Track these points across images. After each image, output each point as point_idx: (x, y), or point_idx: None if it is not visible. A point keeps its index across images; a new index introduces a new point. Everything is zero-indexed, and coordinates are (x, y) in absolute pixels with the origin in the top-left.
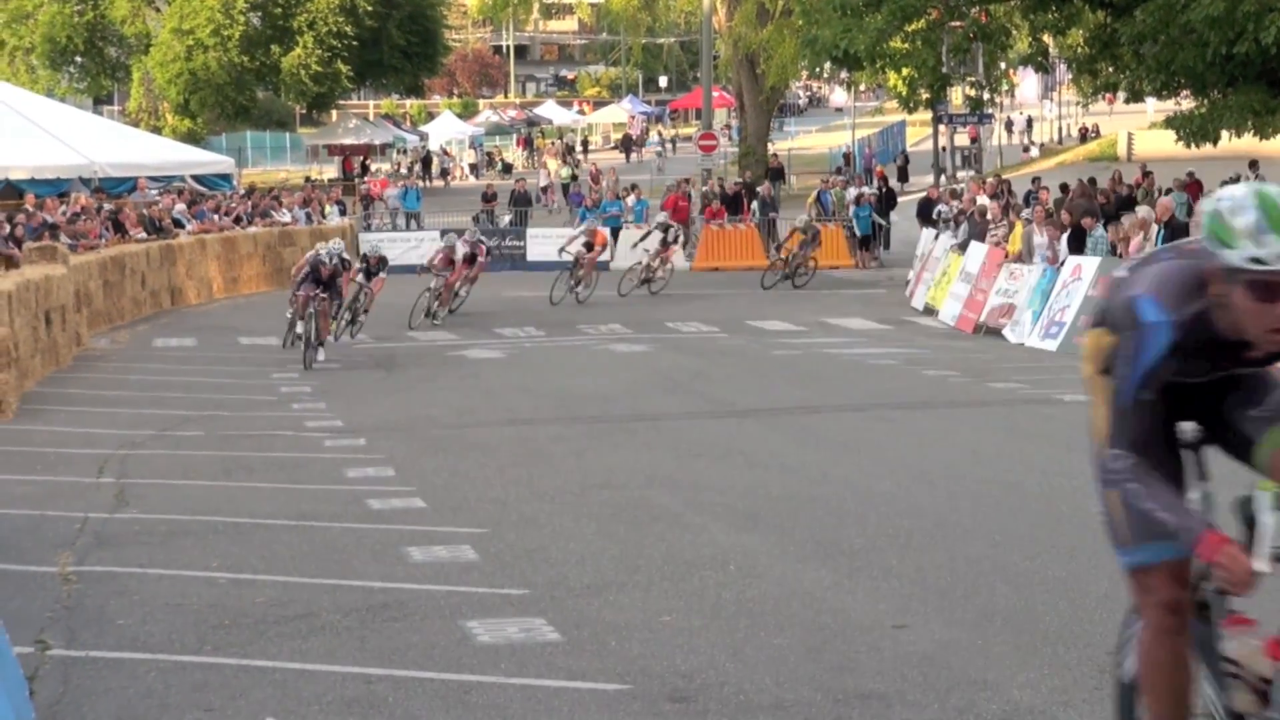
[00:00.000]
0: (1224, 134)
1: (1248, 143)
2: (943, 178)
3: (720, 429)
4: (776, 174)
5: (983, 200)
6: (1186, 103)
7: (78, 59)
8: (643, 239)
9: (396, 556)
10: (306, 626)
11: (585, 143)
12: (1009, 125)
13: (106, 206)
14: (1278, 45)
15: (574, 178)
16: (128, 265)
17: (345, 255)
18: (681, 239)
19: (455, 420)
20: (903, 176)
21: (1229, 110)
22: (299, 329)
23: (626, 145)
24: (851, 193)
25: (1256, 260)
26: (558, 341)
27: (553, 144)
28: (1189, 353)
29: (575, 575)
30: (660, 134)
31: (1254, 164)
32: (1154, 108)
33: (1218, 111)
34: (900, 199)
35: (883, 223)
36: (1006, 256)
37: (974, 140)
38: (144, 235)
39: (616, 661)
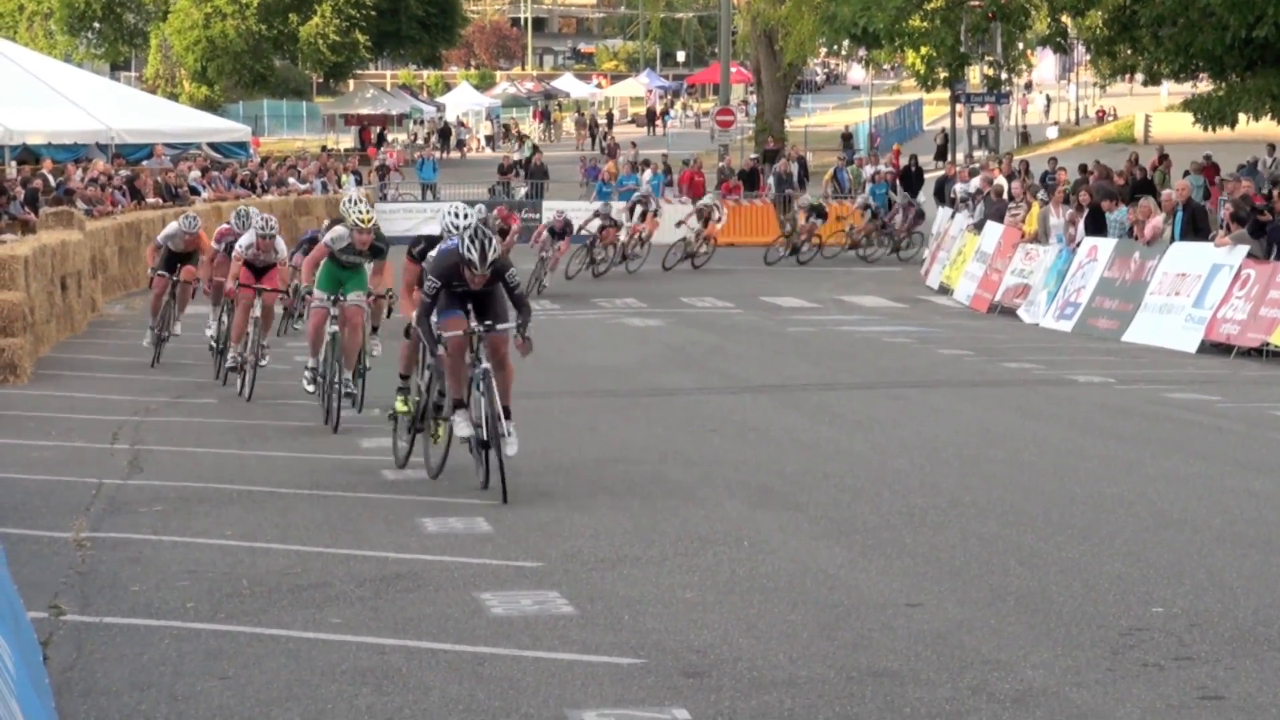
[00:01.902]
0: (1241, 117)
1: (1265, 126)
2: (959, 157)
3: (734, 404)
4: (772, 155)
5: (999, 181)
6: (1203, 86)
7: (96, 25)
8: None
9: (411, 527)
10: (320, 596)
11: (610, 117)
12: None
13: (123, 173)
14: None
15: (534, 152)
16: (143, 232)
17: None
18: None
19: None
20: (941, 155)
21: (1247, 94)
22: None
23: (650, 119)
24: (868, 170)
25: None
26: (572, 315)
27: (579, 115)
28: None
29: (589, 549)
30: (684, 108)
31: (1272, 147)
32: (1168, 90)
33: (1236, 95)
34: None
35: (896, 199)
36: (1023, 237)
37: (992, 120)
38: (160, 202)
39: (630, 635)
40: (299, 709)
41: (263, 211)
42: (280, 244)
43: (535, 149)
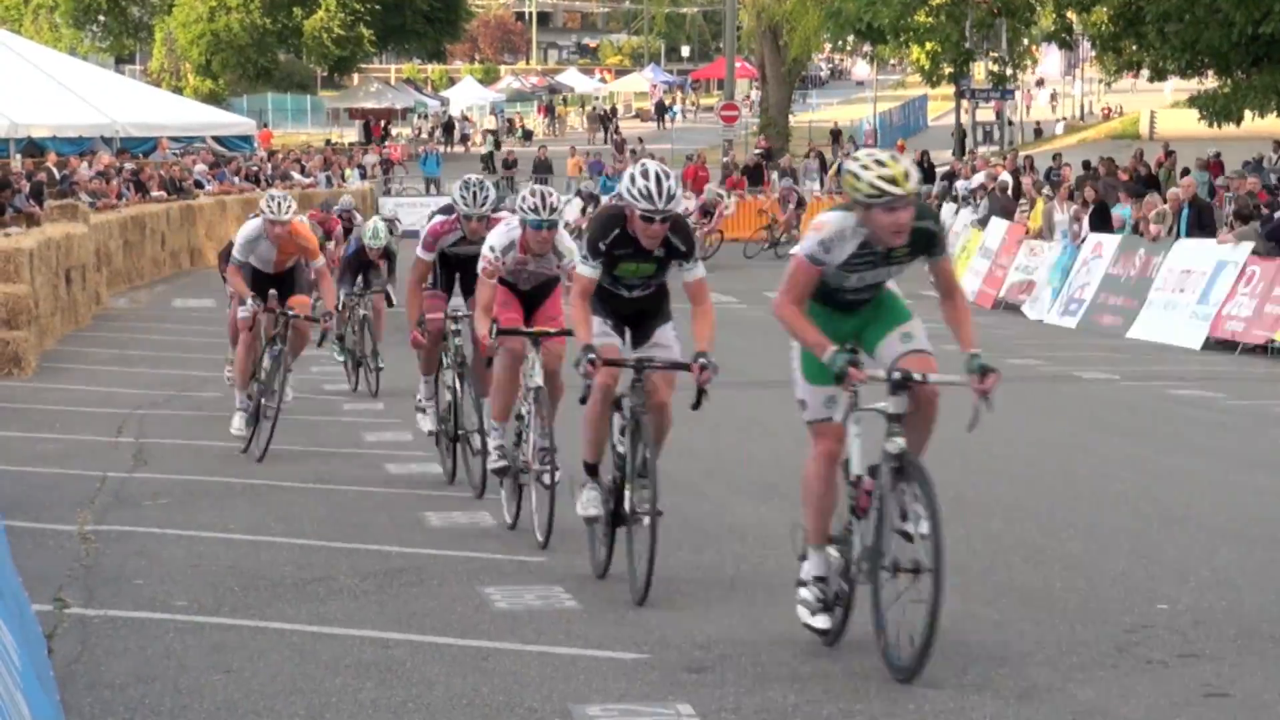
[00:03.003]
0: (1247, 114)
1: (1271, 123)
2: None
3: (739, 400)
4: (754, 172)
5: (1004, 176)
6: (1209, 82)
7: (101, 18)
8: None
9: (415, 521)
10: (324, 590)
11: (614, 110)
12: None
13: (128, 166)
14: None
15: (497, 146)
16: (148, 225)
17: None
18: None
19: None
20: (961, 149)
21: (1253, 90)
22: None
23: (660, 113)
24: None
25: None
26: None
27: (592, 109)
28: None
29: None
30: (685, 104)
31: (1277, 144)
32: (1172, 87)
33: (1242, 91)
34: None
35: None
36: (1027, 233)
37: (998, 115)
38: (164, 195)
39: (634, 631)
40: (302, 702)
41: None
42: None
43: (496, 144)
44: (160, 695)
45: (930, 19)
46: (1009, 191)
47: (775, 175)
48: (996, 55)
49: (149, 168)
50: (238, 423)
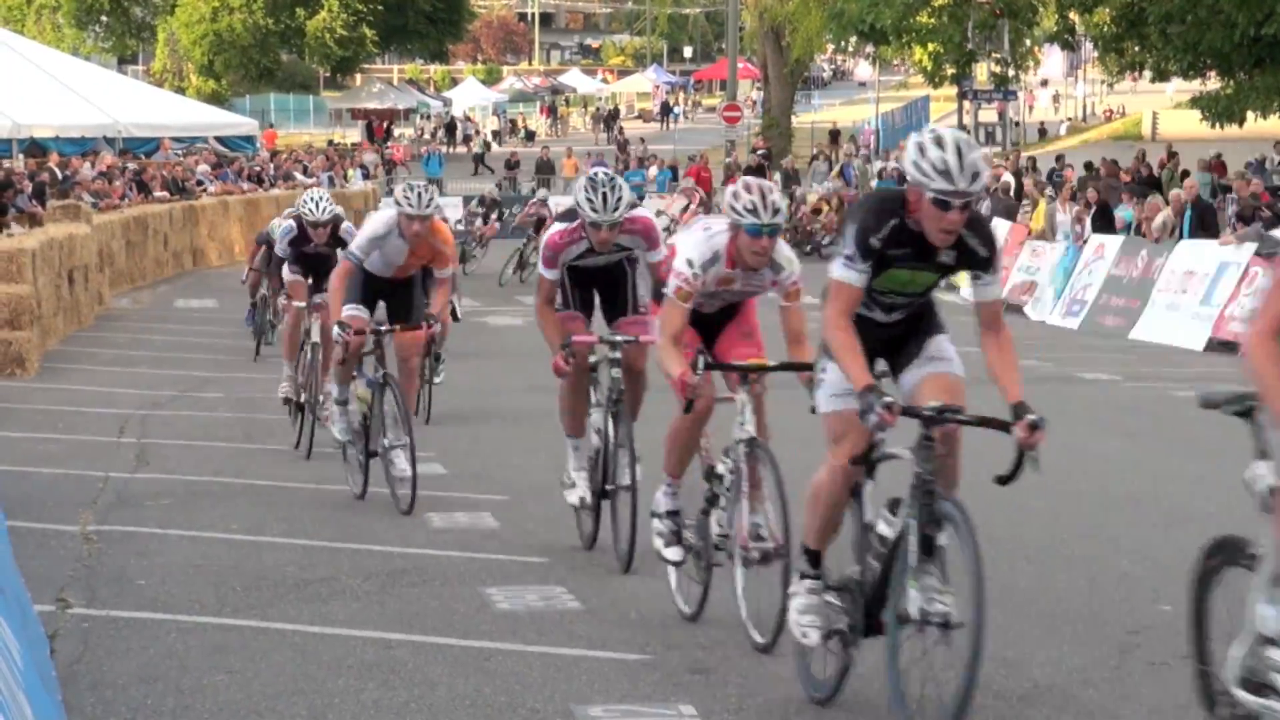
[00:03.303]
0: (1250, 115)
1: (1273, 124)
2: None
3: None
4: (757, 173)
5: (1006, 177)
6: (1210, 83)
7: (103, 18)
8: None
9: (417, 522)
10: (327, 590)
11: (616, 111)
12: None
13: (130, 166)
14: None
15: (487, 147)
16: (150, 225)
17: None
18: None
19: (476, 386)
20: None
21: (1255, 91)
22: None
23: (665, 112)
24: (875, 166)
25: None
26: None
27: (596, 109)
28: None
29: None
30: (685, 104)
31: (1279, 144)
32: (1174, 88)
33: (1244, 92)
34: None
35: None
36: (1029, 234)
37: (1001, 116)
38: (167, 196)
39: (637, 632)
40: (305, 703)
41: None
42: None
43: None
44: (162, 695)
45: (932, 20)
46: (1011, 192)
47: (778, 176)
48: (999, 56)
49: (151, 168)
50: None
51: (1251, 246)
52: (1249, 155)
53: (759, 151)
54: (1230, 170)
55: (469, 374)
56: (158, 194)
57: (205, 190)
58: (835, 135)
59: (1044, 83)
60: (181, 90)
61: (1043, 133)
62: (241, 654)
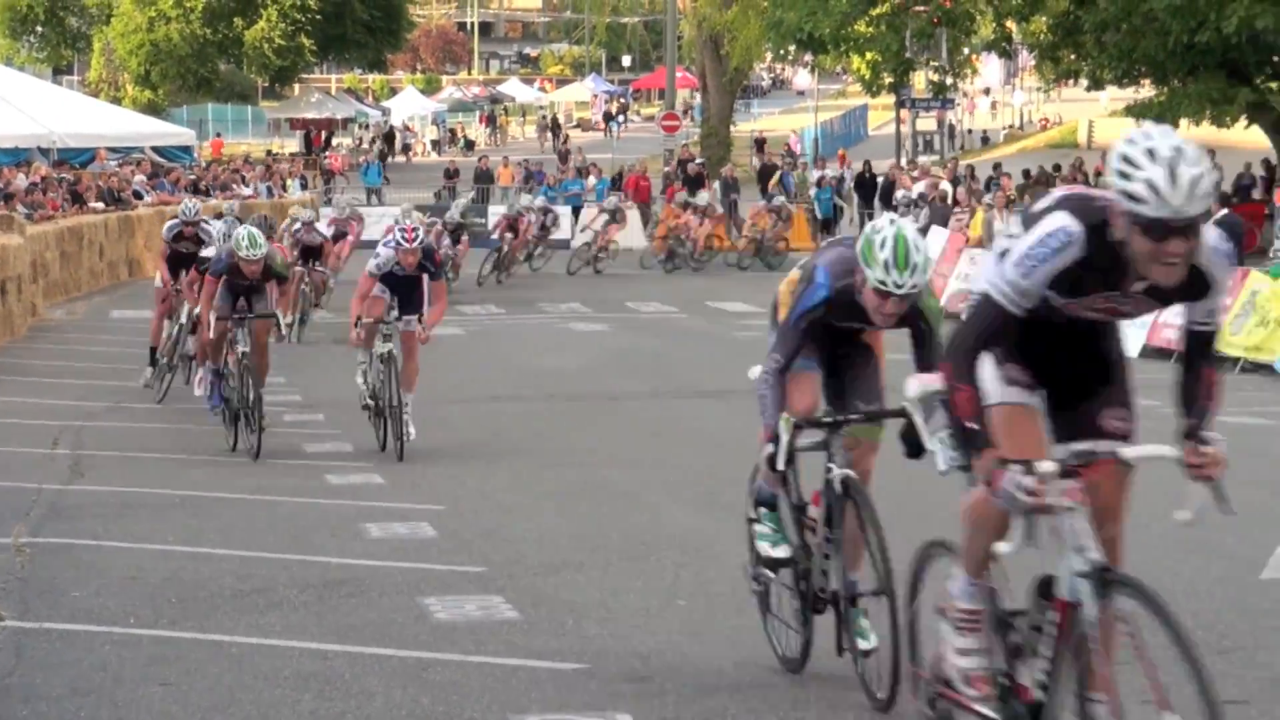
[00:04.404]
0: (1182, 122)
1: (1206, 131)
2: (903, 162)
3: (680, 409)
4: (695, 182)
5: (944, 185)
6: (1145, 91)
7: (38, 28)
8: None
9: (355, 532)
10: (264, 601)
11: (556, 120)
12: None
13: (65, 177)
14: (1239, 34)
15: (383, 158)
16: (85, 236)
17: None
18: (622, 219)
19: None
20: (912, 157)
21: (1187, 98)
22: None
23: (608, 120)
24: (814, 174)
25: (881, 283)
26: (518, 319)
27: (541, 118)
28: (839, 309)
29: (534, 554)
30: (617, 114)
31: (1212, 152)
32: (1108, 96)
33: (1177, 99)
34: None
35: (843, 205)
36: (967, 242)
37: (940, 124)
38: (102, 206)
39: (574, 641)
40: (241, 714)
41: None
42: None
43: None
44: (97, 708)
45: (871, 29)
46: (949, 200)
47: (718, 185)
48: (937, 65)
49: (87, 178)
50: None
51: None
52: None
53: (695, 162)
54: None
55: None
56: (93, 204)
57: (142, 201)
58: (761, 144)
59: (986, 90)
60: (118, 100)
61: (985, 140)
62: (177, 666)
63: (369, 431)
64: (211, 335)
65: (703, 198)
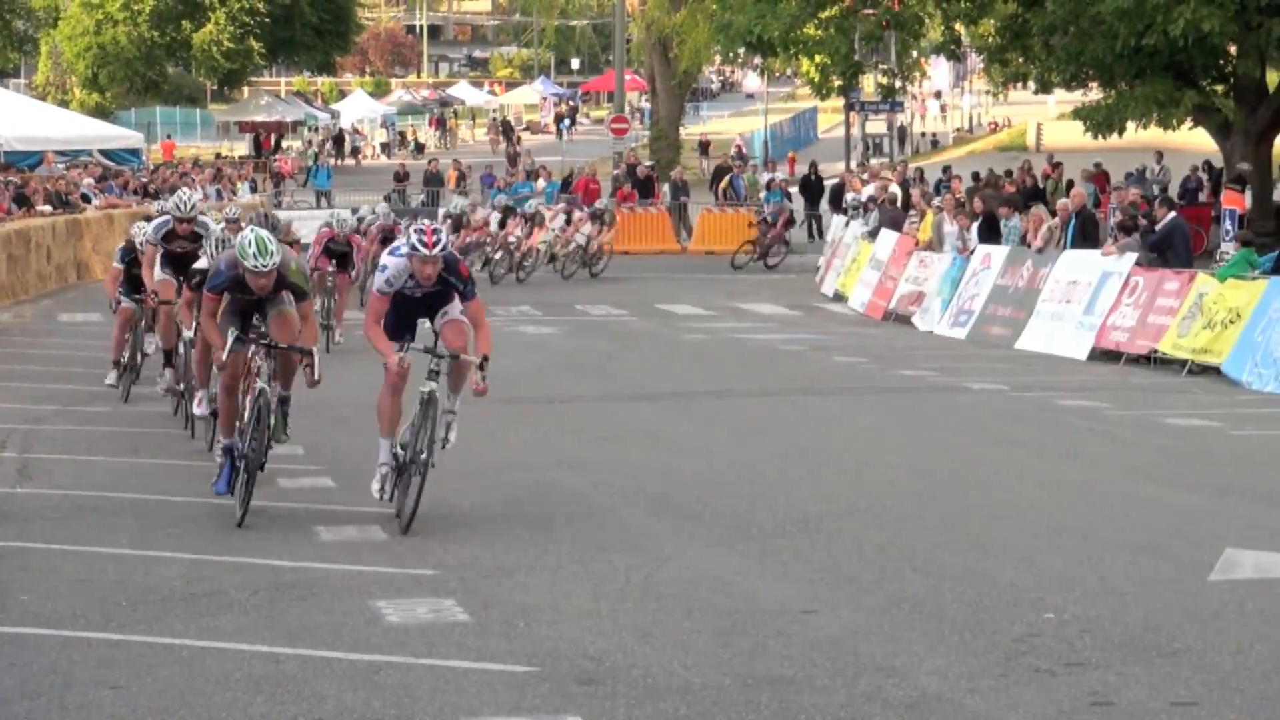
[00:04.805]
0: (1130, 125)
1: (1154, 134)
2: (853, 165)
3: (631, 412)
4: (645, 185)
5: (894, 188)
6: (1093, 94)
7: None
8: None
9: (306, 535)
10: (214, 604)
11: (507, 123)
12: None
13: (12, 180)
14: (1185, 37)
15: (315, 160)
16: (33, 239)
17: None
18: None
19: (365, 399)
20: (864, 160)
21: (1134, 101)
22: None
23: (559, 122)
24: (764, 177)
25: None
26: None
27: (493, 120)
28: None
29: (485, 556)
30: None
31: (1160, 155)
32: (1056, 99)
33: (1124, 102)
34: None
35: (792, 207)
36: (917, 244)
37: (889, 126)
38: (50, 209)
39: (525, 643)
40: (192, 717)
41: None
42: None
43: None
44: (46, 711)
45: (820, 32)
46: (899, 203)
47: (666, 188)
48: (885, 68)
49: (34, 181)
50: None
51: (1133, 256)
52: (1130, 165)
53: (648, 164)
54: (1112, 180)
55: (358, 387)
56: (40, 208)
57: (90, 204)
58: (705, 147)
59: (938, 94)
60: (65, 103)
61: (935, 143)
62: (127, 669)
63: (320, 434)
64: (221, 371)
65: (533, 205)
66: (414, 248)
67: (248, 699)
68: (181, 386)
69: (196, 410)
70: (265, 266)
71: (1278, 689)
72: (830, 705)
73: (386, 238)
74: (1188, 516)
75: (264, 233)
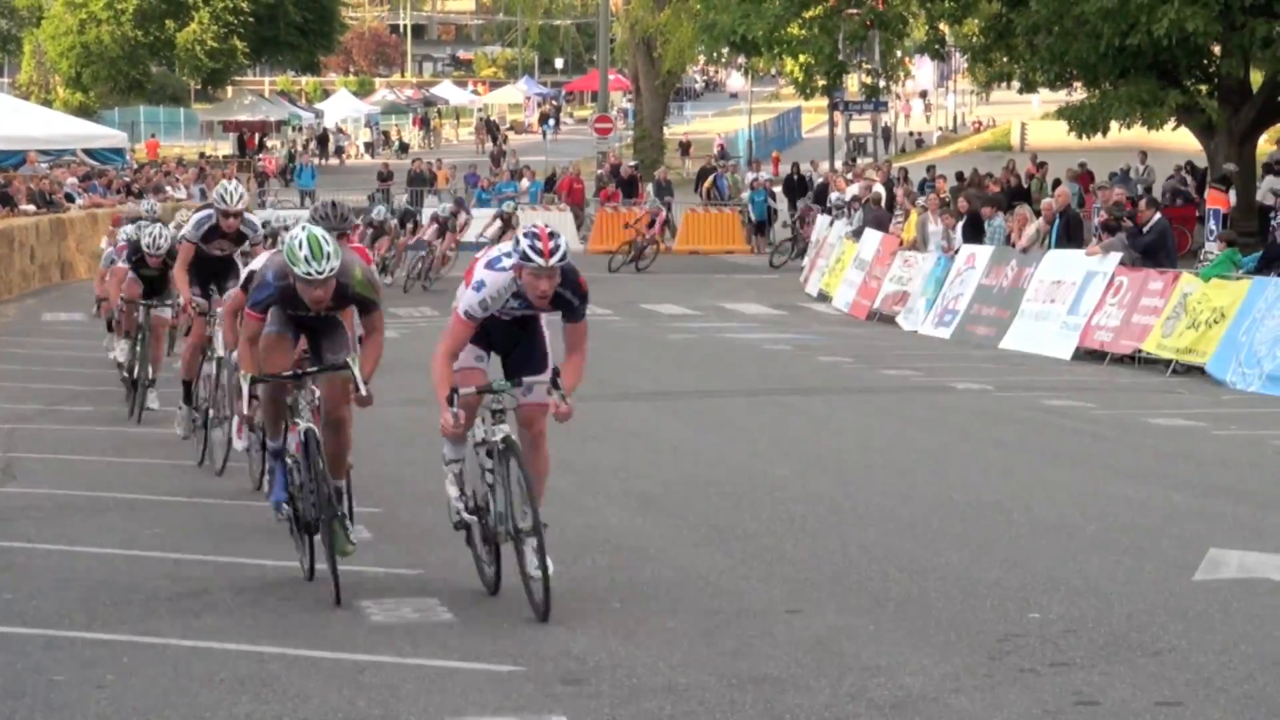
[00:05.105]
0: (1114, 124)
1: (1137, 133)
2: (837, 164)
3: (615, 412)
4: (629, 185)
5: (878, 188)
6: (1077, 94)
7: None
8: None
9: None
10: (199, 604)
11: (493, 122)
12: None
13: None
14: (1169, 37)
15: (290, 159)
16: (16, 239)
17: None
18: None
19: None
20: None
21: (1118, 101)
22: None
23: (544, 121)
24: (748, 177)
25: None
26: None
27: (478, 119)
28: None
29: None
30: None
31: (1144, 154)
32: (1041, 98)
33: (1108, 102)
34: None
35: (776, 207)
36: (901, 244)
37: (873, 126)
38: (33, 209)
39: (509, 643)
40: (177, 717)
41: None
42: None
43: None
44: (30, 711)
45: (804, 31)
46: (883, 203)
47: (650, 188)
48: (869, 67)
49: (17, 181)
50: None
51: (1117, 256)
52: (1114, 164)
53: (631, 164)
54: (1097, 180)
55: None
56: (24, 207)
57: (73, 203)
58: (686, 147)
59: (923, 94)
60: (49, 103)
61: (919, 143)
62: (112, 668)
63: None
64: (260, 396)
65: (435, 208)
66: (525, 257)
67: (232, 698)
68: (209, 410)
69: (238, 443)
70: (320, 274)
71: (1262, 689)
72: (815, 705)
73: (376, 235)
74: (1172, 516)
75: (319, 231)
